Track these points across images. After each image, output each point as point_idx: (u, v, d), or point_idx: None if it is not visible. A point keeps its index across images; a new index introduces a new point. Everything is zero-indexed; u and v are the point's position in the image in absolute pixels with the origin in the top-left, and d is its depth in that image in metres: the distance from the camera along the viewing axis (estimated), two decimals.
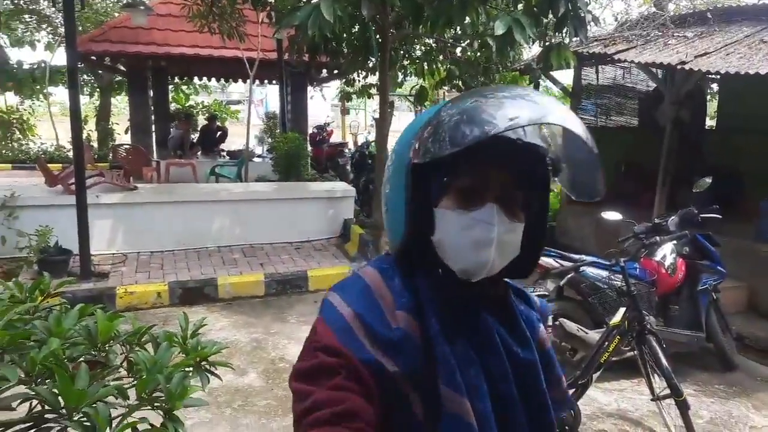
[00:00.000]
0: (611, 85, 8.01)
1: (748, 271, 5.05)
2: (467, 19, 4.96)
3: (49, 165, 7.35)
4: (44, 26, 12.48)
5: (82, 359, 1.13)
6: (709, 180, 4.07)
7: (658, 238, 3.45)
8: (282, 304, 5.18)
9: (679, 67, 4.77)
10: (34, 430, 1.02)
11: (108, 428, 1.00)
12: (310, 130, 12.38)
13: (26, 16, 12.04)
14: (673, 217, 3.85)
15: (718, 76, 5.92)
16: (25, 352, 1.05)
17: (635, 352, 3.06)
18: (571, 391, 2.90)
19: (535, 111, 0.70)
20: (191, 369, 1.19)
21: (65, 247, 5.26)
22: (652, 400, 3.05)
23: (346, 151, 12.09)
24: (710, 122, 8.95)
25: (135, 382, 1.14)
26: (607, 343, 2.97)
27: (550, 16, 4.55)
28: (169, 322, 4.58)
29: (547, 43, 5.17)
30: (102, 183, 6.41)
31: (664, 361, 2.91)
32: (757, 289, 5.04)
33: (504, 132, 0.68)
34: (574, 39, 5.11)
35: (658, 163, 5.86)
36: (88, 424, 0.98)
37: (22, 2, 10.86)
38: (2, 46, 12.63)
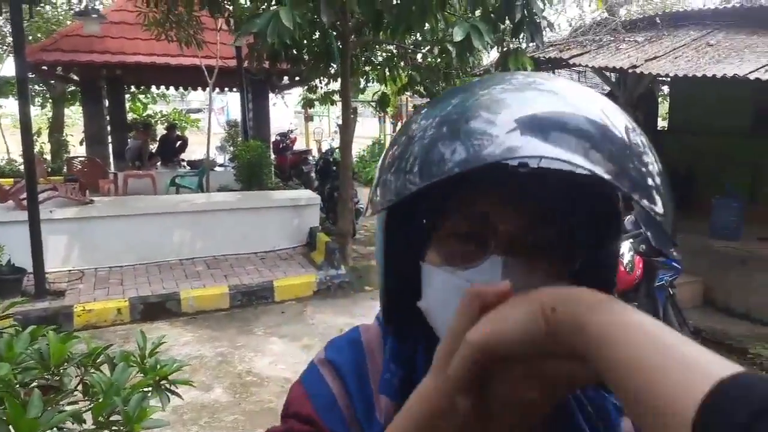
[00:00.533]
0: None
1: (703, 266, 5.25)
2: (427, 26, 5.03)
3: None
4: None
5: (34, 384, 1.08)
6: None
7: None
8: (248, 316, 5.09)
9: (630, 70, 4.95)
10: None
11: None
12: (273, 138, 12.26)
13: None
14: (629, 216, 3.97)
15: (668, 79, 6.16)
16: None
17: None
18: None
19: (557, 111, 0.44)
20: (150, 389, 1.15)
21: (18, 266, 5.04)
22: None
23: (310, 158, 12.01)
24: (662, 123, 9.30)
25: (91, 405, 1.09)
26: None
27: (507, 22, 4.65)
28: (130, 340, 4.44)
29: (504, 49, 5.28)
30: (56, 197, 6.18)
31: None
32: (712, 284, 5.25)
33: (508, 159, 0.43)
34: (531, 44, 5.23)
35: None
36: None
37: None
38: None
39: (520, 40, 5.03)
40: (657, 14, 6.27)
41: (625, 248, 3.92)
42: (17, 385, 1.09)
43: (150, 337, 1.39)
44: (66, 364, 1.16)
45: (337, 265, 5.94)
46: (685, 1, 8.43)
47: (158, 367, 1.18)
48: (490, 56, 7.69)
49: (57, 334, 1.24)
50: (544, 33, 4.75)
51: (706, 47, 5.18)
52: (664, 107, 9.78)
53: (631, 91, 5.77)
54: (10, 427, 0.95)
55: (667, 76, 4.86)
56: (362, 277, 6.16)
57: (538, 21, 4.55)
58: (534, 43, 4.97)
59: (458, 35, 4.08)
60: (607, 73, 6.16)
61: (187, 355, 4.20)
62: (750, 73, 4.13)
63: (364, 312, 5.23)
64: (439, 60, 6.49)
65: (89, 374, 1.16)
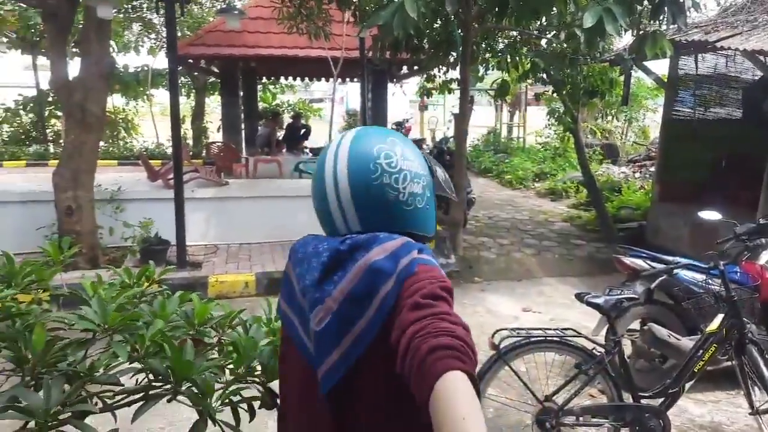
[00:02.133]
0: (712, 75, 7.41)
1: None
2: (554, 10, 4.80)
3: (150, 161, 7.97)
4: (148, 33, 13.49)
5: (184, 338, 1.25)
6: None
7: (763, 240, 3.18)
8: None
9: None
10: (143, 401, 1.14)
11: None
12: (389, 127, 12.51)
13: (133, 24, 13.08)
14: None
15: None
16: (134, 332, 1.17)
17: (733, 362, 2.84)
18: (660, 401, 2.75)
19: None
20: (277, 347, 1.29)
21: (164, 238, 5.69)
22: (750, 414, 2.83)
23: (425, 146, 12.09)
24: None
25: (226, 360, 1.24)
26: (702, 351, 2.78)
27: (645, 2, 4.29)
28: (255, 310, 4.82)
29: (641, 32, 4.89)
30: (197, 178, 6.87)
31: (766, 372, 2.69)
32: None
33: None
34: (672, 26, 4.79)
35: (764, 159, 5.36)
36: (196, 391, 1.09)
37: (129, 10, 11.80)
38: (111, 52, 13.81)
39: (660, 22, 4.62)
40: None
41: None
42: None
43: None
44: (206, 324, 1.32)
45: (447, 254, 5.96)
46: None
47: None
48: (623, 39, 7.16)
49: (199, 297, 1.42)
50: (688, 14, 4.32)
51: None
52: None
53: None
54: (169, 370, 1.12)
55: None
56: (472, 267, 6.12)
57: (681, 0, 4.16)
58: (675, 25, 4.55)
59: (589, 20, 3.85)
60: (762, 58, 5.46)
61: None
62: None
63: (474, 302, 5.20)
64: (565, 45, 6.18)
65: (226, 334, 1.32)
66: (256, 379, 1.19)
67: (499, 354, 2.56)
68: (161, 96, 16.61)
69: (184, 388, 1.10)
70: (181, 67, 10.80)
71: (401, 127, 13.28)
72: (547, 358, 2.82)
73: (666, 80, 7.23)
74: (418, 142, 12.50)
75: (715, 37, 5.28)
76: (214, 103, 17.55)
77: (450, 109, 19.59)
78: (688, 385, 2.77)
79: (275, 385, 1.25)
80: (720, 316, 2.83)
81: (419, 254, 1.02)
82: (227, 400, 1.16)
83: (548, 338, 2.66)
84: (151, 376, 1.18)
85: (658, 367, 3.52)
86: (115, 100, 15.41)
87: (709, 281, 3.44)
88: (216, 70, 11.02)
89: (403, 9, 3.99)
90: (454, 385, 0.73)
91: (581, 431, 2.83)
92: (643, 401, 2.72)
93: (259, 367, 1.26)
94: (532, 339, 2.62)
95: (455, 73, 7.56)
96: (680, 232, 6.51)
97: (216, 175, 7.73)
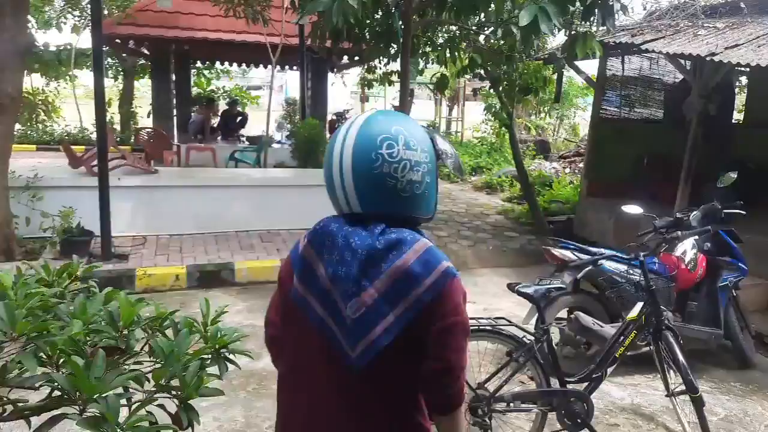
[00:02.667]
0: (637, 76, 7.84)
1: None
2: (492, 6, 4.89)
3: (72, 147, 7.48)
4: (72, 9, 12.59)
5: (100, 345, 1.16)
6: (734, 175, 3.99)
7: (679, 233, 3.40)
8: None
9: (708, 58, 4.66)
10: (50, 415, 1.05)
11: (119, 418, 1.01)
12: (329, 117, 12.38)
13: None
14: (695, 212, 3.78)
15: (748, 69, 5.76)
16: (48, 339, 1.08)
17: (651, 347, 3.03)
18: (584, 385, 2.89)
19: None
20: (210, 357, 1.22)
21: (87, 229, 5.37)
22: (666, 395, 3.04)
23: None
24: (737, 116, 8.73)
25: (157, 367, 1.17)
26: (623, 337, 2.95)
27: (577, 4, 4.46)
28: (187, 305, 4.66)
29: (573, 32, 5.08)
30: (124, 165, 6.52)
31: (680, 357, 2.88)
32: None
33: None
34: (601, 28, 5.01)
35: (682, 157, 5.74)
36: (98, 414, 0.98)
37: None
38: (29, 29, 12.81)
39: (590, 24, 4.82)
40: None
41: (689, 245, 3.75)
42: (87, 344, 1.18)
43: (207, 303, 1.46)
44: (134, 326, 1.24)
45: None
46: None
47: (219, 335, 1.24)
48: (556, 39, 7.42)
49: (127, 296, 1.33)
50: (616, 16, 4.53)
51: None
52: (740, 99, 9.18)
53: (707, 80, 5.43)
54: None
55: (747, 66, 4.54)
56: None
57: (610, 3, 4.35)
58: (605, 27, 4.76)
59: (524, 18, 3.95)
60: (682, 61, 5.82)
61: (239, 323, 4.37)
62: None
63: None
64: (502, 42, 6.32)
65: (154, 338, 1.23)
66: (174, 393, 1.07)
67: None
68: (86, 78, 15.63)
69: (89, 410, 0.98)
70: (107, 48, 10.20)
71: (342, 117, 13.16)
72: (479, 347, 2.89)
73: (595, 80, 7.58)
74: None
75: (640, 39, 5.57)
76: (144, 87, 16.71)
77: (390, 101, 19.64)
78: (610, 370, 2.93)
79: (197, 402, 1.18)
80: (640, 304, 3.01)
81: (447, 264, 1.22)
82: (135, 424, 1.01)
83: (481, 327, 2.73)
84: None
85: (583, 354, 3.70)
86: (34, 81, 14.33)
87: (631, 271, 3.65)
88: (146, 52, 10.48)
89: None
90: (459, 416, 1.26)
91: (512, 417, 2.93)
92: (569, 386, 2.85)
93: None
94: None
95: (396, 65, 7.57)
96: (605, 225, 6.87)
97: (145, 162, 7.37)
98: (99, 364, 1.04)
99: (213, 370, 1.20)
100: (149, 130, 9.76)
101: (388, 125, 1.21)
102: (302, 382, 1.25)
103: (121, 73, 14.88)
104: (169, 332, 1.28)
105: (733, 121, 8.27)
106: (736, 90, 8.54)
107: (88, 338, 1.19)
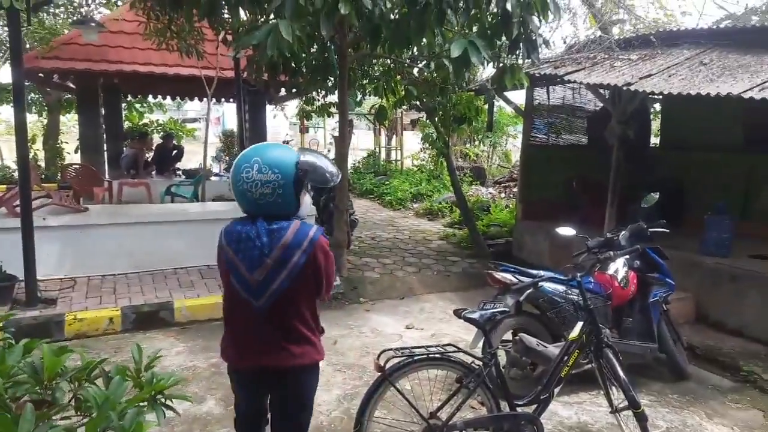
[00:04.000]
0: (561, 105, 8.30)
1: (695, 282, 5.28)
2: (424, 41, 5.06)
3: None
4: None
5: (26, 398, 1.07)
6: (656, 195, 4.24)
7: (611, 252, 3.56)
8: None
9: (624, 87, 5.00)
10: None
11: None
12: None
13: None
14: (624, 232, 3.99)
15: (661, 96, 6.22)
16: None
17: (593, 364, 3.12)
18: (533, 407, 2.93)
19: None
20: (146, 404, 1.14)
21: (10, 273, 5.00)
22: (611, 412, 3.12)
23: None
24: (654, 140, 9.38)
25: (84, 421, 1.08)
26: (566, 357, 3.03)
27: (504, 38, 4.69)
28: (122, 350, 4.39)
29: (500, 65, 5.33)
30: (50, 204, 6.15)
31: (621, 373, 2.99)
32: (704, 300, 5.27)
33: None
34: (527, 60, 5.28)
35: (608, 179, 6.08)
36: None
37: None
38: None
39: (517, 56, 5.07)
40: (651, 33, 6.34)
41: (620, 264, 3.93)
42: (8, 400, 1.08)
43: (144, 347, 1.38)
44: (59, 378, 1.14)
45: None
46: (678, 20, 8.53)
47: (154, 381, 1.17)
48: (485, 71, 7.76)
49: (50, 346, 1.23)
50: (539, 50, 4.80)
51: (700, 66, 5.24)
52: (656, 124, 9.88)
53: (625, 107, 5.81)
54: None
55: (660, 93, 4.91)
56: (356, 288, 6.14)
57: (534, 38, 4.60)
58: (530, 60, 5.02)
59: (455, 51, 4.11)
60: (602, 90, 6.22)
61: (180, 365, 4.17)
62: (744, 92, 4.17)
63: (359, 323, 5.21)
64: (435, 74, 6.53)
65: (83, 389, 1.14)
66: None
67: (384, 376, 2.57)
68: (7, 113, 14.78)
69: None
70: (29, 82, 9.72)
71: None
72: (430, 375, 2.88)
73: (523, 109, 7.95)
74: None
75: (563, 71, 5.91)
76: (71, 122, 15.97)
77: (330, 131, 19.74)
78: (556, 390, 2.99)
79: None
80: (580, 324, 3.10)
81: (312, 232, 2.05)
82: None
83: (430, 356, 2.72)
84: None
85: (530, 375, 3.76)
86: None
87: (569, 292, 3.78)
88: (72, 86, 10.06)
89: (277, 30, 3.95)
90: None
91: None
92: (519, 409, 2.88)
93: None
94: (416, 358, 2.67)
95: (334, 97, 7.65)
96: (542, 246, 7.12)
97: (73, 200, 6.99)
98: (28, 418, 0.95)
99: (151, 418, 1.13)
100: (77, 166, 9.30)
101: (250, 155, 1.98)
102: (235, 317, 2.18)
103: (45, 108, 14.19)
104: (100, 382, 1.19)
105: (651, 144, 8.86)
106: (651, 116, 9.20)
107: (7, 393, 1.09)
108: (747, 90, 4.22)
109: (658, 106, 9.25)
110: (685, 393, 3.99)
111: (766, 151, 6.39)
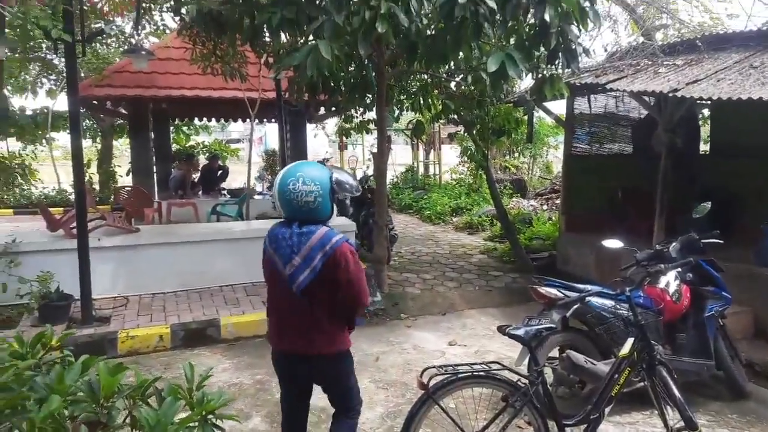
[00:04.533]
0: (604, 114, 8.11)
1: (752, 295, 5.02)
2: (460, 55, 5.07)
3: (50, 209, 7.38)
4: (48, 73, 12.70)
5: (81, 418, 1.11)
6: (708, 205, 4.08)
7: (661, 265, 3.44)
8: None
9: (671, 94, 4.85)
10: None
11: None
12: None
13: (30, 64, 12.27)
14: (674, 244, 3.85)
15: (710, 102, 6.01)
16: (23, 415, 1.03)
17: (646, 383, 3.00)
18: (582, 427, 2.84)
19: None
20: (197, 425, 1.17)
21: (66, 292, 5.23)
22: None
23: None
24: (704, 147, 9.03)
25: None
26: (617, 375, 2.93)
27: (542, 49, 4.64)
28: (171, 366, 4.52)
29: (540, 75, 5.27)
30: (104, 226, 6.43)
31: (676, 392, 2.86)
32: (763, 314, 5.00)
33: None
34: (567, 70, 5.21)
35: (655, 189, 5.89)
36: None
37: (26, 49, 11.05)
38: (5, 94, 12.84)
39: (556, 66, 5.01)
40: (697, 37, 6.14)
41: (671, 277, 3.78)
42: (67, 418, 1.13)
43: (193, 364, 1.42)
44: (115, 396, 1.19)
45: (372, 292, 5.94)
46: (725, 23, 8.25)
47: (205, 401, 1.20)
48: (524, 82, 7.69)
49: (107, 364, 1.28)
50: (579, 59, 4.72)
51: (750, 69, 5.04)
52: (705, 130, 9.52)
53: (671, 114, 5.64)
54: None
55: (710, 99, 4.74)
56: (398, 304, 6.13)
57: (573, 47, 4.54)
58: (569, 69, 4.95)
59: (492, 65, 4.10)
60: (646, 98, 6.06)
61: (226, 382, 4.25)
62: None
63: (401, 340, 5.19)
64: (473, 88, 6.52)
65: (137, 408, 1.19)
66: None
67: (428, 394, 2.55)
68: (63, 139, 15.60)
69: None
70: (84, 109, 10.25)
71: (322, 165, 13.29)
72: (474, 393, 2.84)
73: (564, 119, 7.81)
74: None
75: (604, 80, 5.79)
76: (123, 146, 16.72)
77: (369, 147, 19.91)
78: (607, 410, 2.89)
79: None
80: (630, 340, 3.00)
81: (336, 239, 2.37)
82: None
83: (475, 373, 2.68)
84: None
85: (579, 393, 3.65)
86: (10, 145, 14.26)
87: (618, 307, 3.66)
88: (124, 111, 10.55)
89: (317, 51, 4.05)
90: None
91: None
92: (567, 429, 2.79)
93: None
94: (460, 375, 2.64)
95: (372, 114, 7.73)
96: (587, 259, 6.93)
97: (125, 221, 7.30)
98: None
99: None
100: (129, 188, 9.71)
101: (294, 171, 2.39)
102: (274, 301, 2.58)
103: (99, 133, 14.90)
104: (153, 400, 1.23)
105: (701, 151, 8.54)
106: (700, 122, 8.87)
107: (66, 411, 1.14)
108: None
109: (706, 112, 8.92)
110: (746, 413, 3.78)
111: None
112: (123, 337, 4.89)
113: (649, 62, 6.03)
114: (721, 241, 3.83)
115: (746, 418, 3.72)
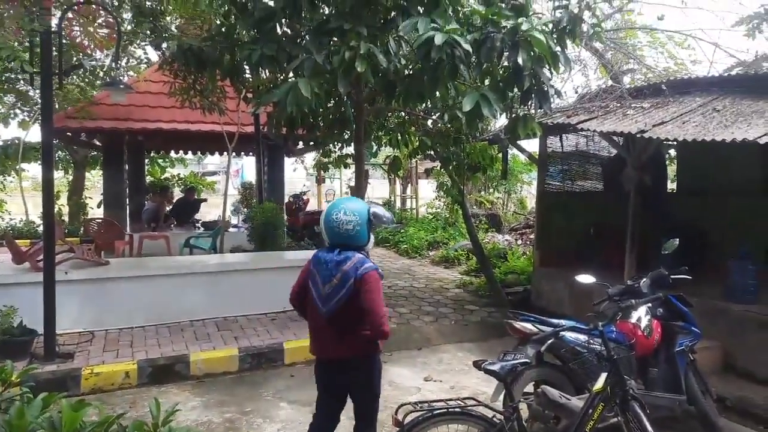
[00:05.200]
0: (575, 152, 8.35)
1: (720, 330, 5.12)
2: (437, 94, 5.20)
3: (17, 241, 7.18)
4: (23, 104, 12.53)
5: None
6: (676, 241, 4.19)
7: (633, 300, 3.49)
8: (257, 380, 5.00)
9: (639, 135, 5.03)
10: None
11: None
12: (286, 199, 12.46)
13: (5, 95, 12.11)
14: (644, 279, 3.92)
15: (675, 142, 6.25)
16: None
17: (620, 418, 3.01)
18: None
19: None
20: None
21: (30, 327, 5.05)
22: None
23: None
24: (671, 185, 9.33)
25: None
26: (591, 410, 2.93)
27: (516, 90, 4.79)
28: (137, 404, 4.36)
29: (513, 115, 5.42)
30: (72, 258, 6.27)
31: (649, 427, 2.87)
32: (732, 349, 5.09)
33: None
34: (539, 110, 5.38)
35: (626, 225, 6.03)
36: None
37: (2, 81, 10.91)
38: None
39: (529, 107, 5.17)
40: (662, 81, 6.43)
41: (642, 312, 3.84)
42: None
43: (160, 401, 1.38)
44: None
45: None
46: (689, 69, 8.65)
47: None
48: (499, 121, 7.89)
49: (69, 401, 1.23)
50: (551, 100, 4.89)
51: (713, 112, 5.27)
52: (672, 169, 9.86)
53: (639, 154, 5.84)
54: None
55: (675, 140, 4.93)
56: None
57: (545, 89, 4.70)
58: (542, 110, 5.11)
59: (468, 104, 4.21)
60: (616, 138, 6.27)
61: (195, 420, 4.11)
62: (760, 137, 4.18)
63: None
64: (449, 126, 6.66)
65: None
66: None
67: (403, 431, 2.51)
68: (34, 170, 15.30)
69: None
70: (57, 140, 10.12)
71: (299, 199, 13.28)
72: (450, 429, 2.80)
73: (537, 157, 8.01)
74: (318, 214, 12.50)
75: (575, 120, 5.99)
76: (96, 177, 16.47)
77: (346, 181, 20.03)
78: None
79: None
80: (604, 375, 3.01)
81: (368, 264, 2.72)
82: None
83: (450, 410, 2.66)
84: None
85: (554, 429, 3.63)
86: None
87: (592, 341, 3.69)
88: (98, 143, 10.46)
89: (296, 88, 4.11)
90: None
91: None
92: None
93: None
94: (435, 412, 2.61)
95: (350, 149, 7.81)
96: (561, 294, 7.00)
97: (95, 254, 7.13)
98: None
99: None
100: (99, 220, 9.53)
101: (338, 204, 2.86)
102: (312, 318, 2.90)
103: (71, 164, 14.68)
104: None
105: (668, 189, 8.81)
106: (667, 161, 9.19)
107: None
108: (764, 135, 4.22)
109: (673, 152, 9.26)
110: None
111: None
112: (87, 373, 4.71)
113: (618, 104, 6.26)
114: (690, 277, 3.92)
115: None
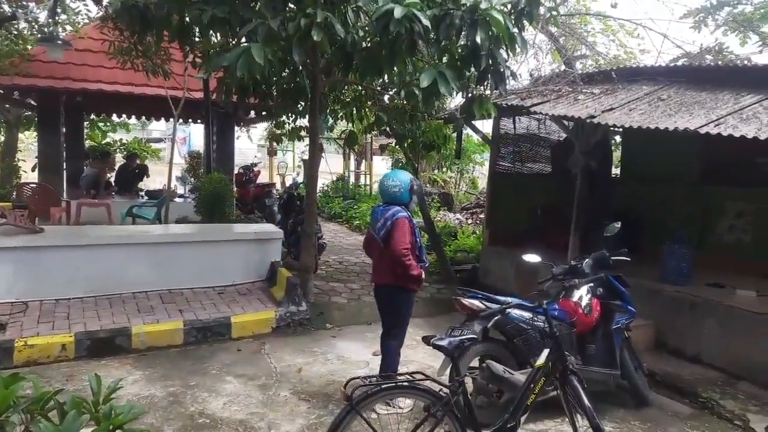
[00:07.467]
0: (527, 134, 8.52)
1: (654, 309, 5.41)
2: (395, 70, 5.14)
3: None
4: None
5: None
6: (618, 225, 4.36)
7: (576, 280, 3.63)
8: (202, 354, 4.91)
9: (588, 120, 5.17)
10: None
11: None
12: (236, 170, 12.13)
13: None
14: (587, 260, 4.07)
15: (621, 129, 6.46)
16: None
17: (558, 391, 3.14)
18: None
19: None
20: None
21: None
22: None
23: (274, 191, 11.91)
24: (615, 171, 9.69)
25: None
26: (533, 384, 3.04)
27: (473, 69, 4.81)
28: (74, 378, 4.19)
29: (469, 95, 5.44)
30: (3, 225, 5.90)
31: (586, 400, 3.01)
32: (664, 328, 5.40)
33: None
34: (495, 91, 5.42)
35: (570, 208, 6.23)
36: None
37: None
38: None
39: (485, 87, 5.20)
40: (612, 69, 6.61)
41: (584, 291, 4.00)
42: None
43: (101, 375, 1.31)
44: (10, 410, 1.06)
45: (297, 301, 5.83)
46: (638, 57, 8.94)
47: (113, 414, 1.11)
48: (455, 100, 7.92)
49: (1, 374, 1.15)
50: (507, 81, 4.93)
51: (658, 101, 5.48)
52: (617, 155, 10.23)
53: (588, 138, 6.01)
54: None
55: (622, 126, 5.10)
56: (323, 314, 6.06)
57: (501, 70, 4.73)
58: (497, 91, 5.16)
59: (425, 81, 4.19)
60: (566, 122, 6.42)
61: (136, 394, 4.00)
62: (700, 127, 4.37)
63: (324, 350, 5.13)
64: (405, 102, 6.63)
65: (36, 423, 1.07)
66: None
67: (351, 405, 2.52)
68: None
69: None
70: None
71: (250, 170, 12.93)
72: (397, 404, 2.84)
73: (490, 137, 8.12)
74: (269, 187, 12.27)
75: (529, 102, 6.09)
76: (30, 139, 15.47)
77: (299, 154, 19.68)
78: (523, 418, 2.99)
79: None
80: (546, 351, 3.13)
81: (401, 213, 3.86)
82: None
83: (398, 384, 2.69)
84: None
85: (497, 402, 3.76)
86: None
87: (536, 319, 3.82)
88: (33, 102, 9.79)
89: (249, 53, 3.96)
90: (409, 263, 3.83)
91: None
92: None
93: None
94: (383, 386, 2.63)
95: (305, 121, 7.66)
96: (507, 273, 7.20)
97: (28, 220, 6.74)
98: None
99: None
100: (33, 185, 8.99)
101: (390, 174, 4.05)
102: (373, 254, 4.13)
103: (3, 124, 13.72)
104: (54, 415, 1.12)
105: (613, 175, 9.15)
106: (613, 147, 9.52)
107: None
108: (703, 125, 4.42)
109: (618, 138, 9.59)
110: (647, 420, 4.05)
111: (721, 184, 6.68)
112: (20, 346, 4.48)
113: (570, 89, 6.40)
114: (629, 259, 4.10)
115: (647, 424, 3.98)
